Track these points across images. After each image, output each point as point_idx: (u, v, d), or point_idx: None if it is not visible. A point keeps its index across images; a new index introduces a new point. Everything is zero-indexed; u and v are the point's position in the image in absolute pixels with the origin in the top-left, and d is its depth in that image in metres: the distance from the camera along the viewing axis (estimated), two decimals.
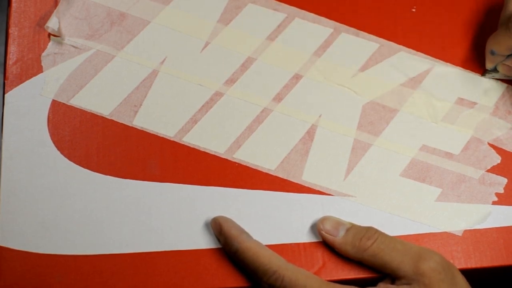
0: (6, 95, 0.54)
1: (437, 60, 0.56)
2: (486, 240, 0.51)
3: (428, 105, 0.55)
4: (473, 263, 0.50)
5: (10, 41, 0.55)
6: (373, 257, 0.47)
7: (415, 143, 0.54)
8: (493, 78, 0.56)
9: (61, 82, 0.54)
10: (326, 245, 0.50)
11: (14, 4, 0.57)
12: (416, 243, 0.49)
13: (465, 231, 0.51)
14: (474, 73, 0.56)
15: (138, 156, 0.52)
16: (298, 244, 0.50)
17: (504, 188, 0.52)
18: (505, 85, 0.56)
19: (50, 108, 0.53)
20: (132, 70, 0.55)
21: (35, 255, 0.49)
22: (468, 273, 0.48)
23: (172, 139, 0.53)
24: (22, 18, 0.56)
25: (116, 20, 0.57)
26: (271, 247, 0.49)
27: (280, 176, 0.52)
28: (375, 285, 0.47)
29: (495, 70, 0.55)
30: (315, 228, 0.50)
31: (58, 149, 0.52)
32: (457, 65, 0.56)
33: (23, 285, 0.48)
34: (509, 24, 0.51)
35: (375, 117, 0.54)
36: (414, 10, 0.58)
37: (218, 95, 0.54)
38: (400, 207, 0.52)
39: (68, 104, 0.54)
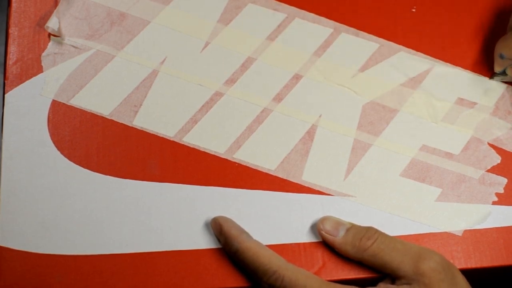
0: (6, 95, 0.54)
1: (437, 60, 0.56)
2: (486, 240, 0.51)
3: (428, 105, 0.55)
4: (473, 263, 0.50)
5: (10, 41, 0.55)
6: (373, 257, 0.47)
7: (415, 143, 0.54)
8: (501, 81, 0.56)
9: (61, 82, 0.54)
10: (326, 245, 0.50)
11: (14, 4, 0.57)
12: (416, 243, 0.49)
13: (465, 231, 0.51)
14: (474, 73, 0.56)
15: (138, 156, 0.52)
16: (298, 244, 0.50)
17: (504, 188, 0.52)
18: (505, 85, 0.56)
19: (50, 108, 0.53)
20: (132, 70, 0.55)
21: (35, 255, 0.49)
22: (468, 273, 0.48)
23: (172, 139, 0.53)
24: (22, 18, 0.56)
25: (116, 20, 0.57)
26: (271, 247, 0.49)
27: (280, 176, 0.52)
28: (375, 285, 0.47)
29: (503, 73, 0.55)
30: (315, 228, 0.50)
31: (58, 149, 0.52)
32: (457, 65, 0.56)
33: (23, 285, 0.48)
34: None
35: (375, 117, 0.54)
36: (414, 10, 0.58)
37: (218, 95, 0.54)
38: (400, 207, 0.52)
39: (68, 104, 0.54)
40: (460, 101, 0.55)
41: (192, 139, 0.53)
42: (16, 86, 0.54)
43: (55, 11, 0.56)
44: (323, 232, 0.49)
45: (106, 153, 0.52)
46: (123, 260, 0.49)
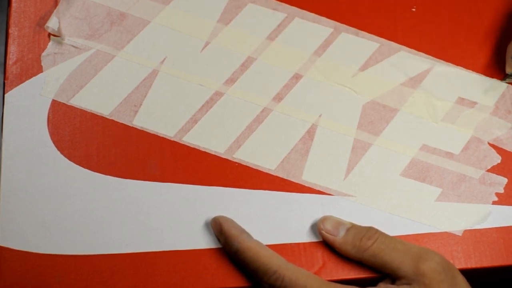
0: (6, 95, 0.54)
1: (437, 59, 0.56)
2: (486, 240, 0.51)
3: (428, 104, 0.55)
4: (473, 263, 0.50)
5: (10, 41, 0.55)
6: (373, 257, 0.47)
7: (415, 142, 0.54)
8: None
9: (61, 82, 0.54)
10: (326, 245, 0.50)
11: (14, 4, 0.57)
12: (416, 243, 0.49)
13: (465, 231, 0.51)
14: (474, 72, 0.56)
15: (138, 156, 0.52)
16: (298, 244, 0.50)
17: (504, 188, 0.52)
18: (505, 85, 0.56)
19: (50, 108, 0.53)
20: (132, 70, 0.55)
21: (35, 255, 0.49)
22: (468, 273, 0.48)
23: (172, 139, 0.53)
24: (22, 18, 0.56)
25: (116, 20, 0.57)
26: (271, 247, 0.49)
27: (280, 176, 0.52)
28: (375, 285, 0.47)
29: None
30: (315, 228, 0.50)
31: (58, 149, 0.52)
32: (457, 65, 0.56)
33: (23, 285, 0.48)
34: None
35: (375, 117, 0.54)
36: (414, 10, 0.58)
37: (218, 94, 0.54)
38: (400, 207, 0.52)
39: (68, 104, 0.54)
40: (460, 101, 0.55)
41: (192, 139, 0.53)
42: (16, 86, 0.54)
43: (55, 11, 0.56)
44: (323, 232, 0.49)
45: (106, 153, 0.52)
46: (123, 260, 0.49)
